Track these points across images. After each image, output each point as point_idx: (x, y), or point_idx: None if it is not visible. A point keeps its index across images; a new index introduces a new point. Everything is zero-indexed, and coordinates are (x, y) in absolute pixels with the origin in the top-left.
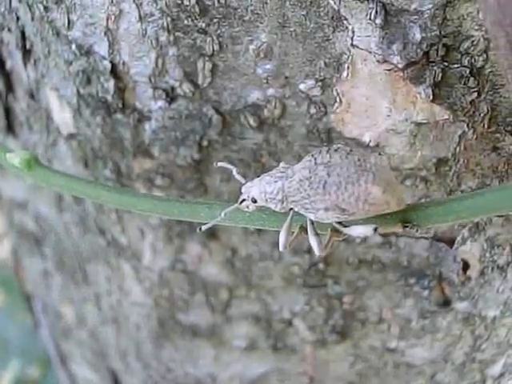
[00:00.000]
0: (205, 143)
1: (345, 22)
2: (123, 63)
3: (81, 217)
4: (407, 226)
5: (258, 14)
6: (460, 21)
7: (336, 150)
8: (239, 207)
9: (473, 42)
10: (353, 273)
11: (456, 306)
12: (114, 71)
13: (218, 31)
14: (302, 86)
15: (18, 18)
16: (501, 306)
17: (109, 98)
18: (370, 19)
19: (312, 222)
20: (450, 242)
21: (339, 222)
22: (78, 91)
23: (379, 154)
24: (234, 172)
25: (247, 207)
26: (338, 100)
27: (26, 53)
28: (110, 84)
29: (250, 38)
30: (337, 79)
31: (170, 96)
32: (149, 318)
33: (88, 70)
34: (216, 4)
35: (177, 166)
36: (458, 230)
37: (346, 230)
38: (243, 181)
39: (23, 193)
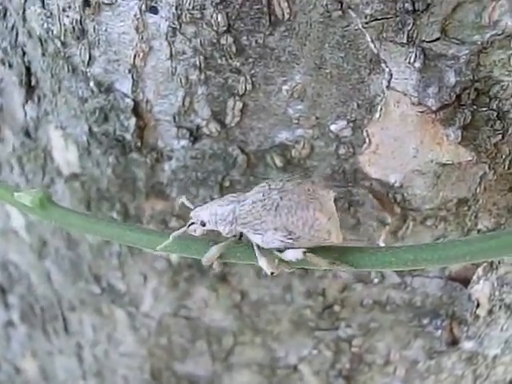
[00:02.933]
0: (226, 184)
1: (383, 64)
2: (147, 101)
3: (72, 263)
4: (334, 263)
5: (295, 54)
6: (492, 66)
7: (288, 180)
8: (187, 231)
9: (502, 86)
10: (365, 315)
11: (463, 346)
12: (136, 109)
13: (252, 71)
14: (332, 127)
15: (23, 54)
16: (502, 345)
17: (127, 136)
18: (409, 63)
19: (258, 246)
20: (464, 281)
21: (278, 250)
22: (90, 129)
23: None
24: (184, 199)
25: (194, 231)
26: (367, 141)
27: (30, 90)
28: (131, 122)
29: (284, 78)
30: (368, 120)
31: (194, 135)
32: (140, 369)
33: (106, 107)
34: (253, 44)
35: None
36: (473, 269)
37: (280, 255)
38: (192, 207)
39: None
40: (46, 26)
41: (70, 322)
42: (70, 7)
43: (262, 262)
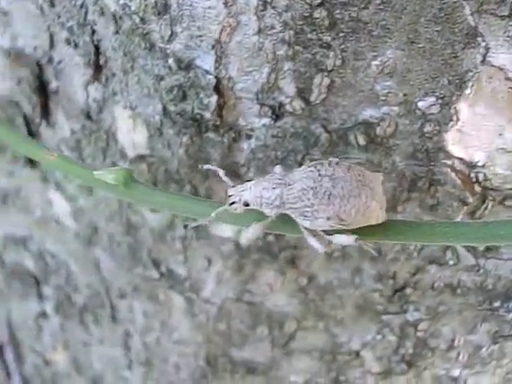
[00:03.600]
0: (306, 163)
1: (479, 38)
2: (229, 78)
3: (130, 248)
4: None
5: (388, 29)
6: None
7: (337, 164)
8: (228, 209)
9: None
10: (435, 298)
11: None
12: (217, 86)
13: (343, 46)
14: (420, 104)
15: (93, 32)
16: None
17: (207, 115)
18: (507, 36)
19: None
20: None
21: (323, 230)
22: (164, 109)
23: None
24: (221, 174)
25: (235, 209)
26: (454, 118)
27: (97, 70)
28: (212, 100)
29: (374, 53)
30: (457, 97)
31: (277, 113)
32: (195, 356)
33: (185, 85)
34: (346, 18)
35: None
36: None
37: (329, 238)
38: (231, 183)
39: (23, 230)
40: (122, 2)
41: (118, 310)
42: None
43: (313, 242)
